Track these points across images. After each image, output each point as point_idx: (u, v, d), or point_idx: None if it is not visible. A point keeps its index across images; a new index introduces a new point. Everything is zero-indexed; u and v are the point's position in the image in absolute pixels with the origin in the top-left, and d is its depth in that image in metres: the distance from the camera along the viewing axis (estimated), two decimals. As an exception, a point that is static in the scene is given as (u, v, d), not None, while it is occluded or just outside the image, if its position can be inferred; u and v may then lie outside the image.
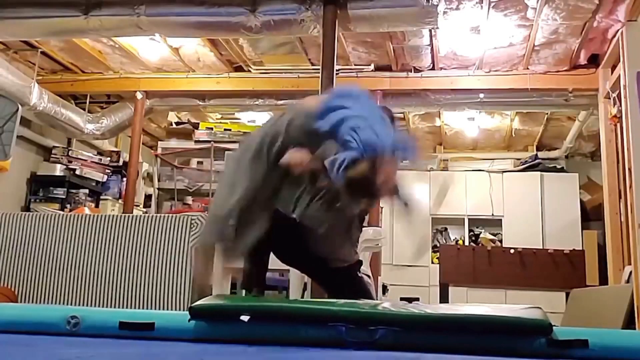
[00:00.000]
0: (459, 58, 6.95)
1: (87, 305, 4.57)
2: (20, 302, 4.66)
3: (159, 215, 4.93)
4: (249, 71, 7.52)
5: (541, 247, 8.74)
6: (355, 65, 7.22)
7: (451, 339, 2.04)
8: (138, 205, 8.42)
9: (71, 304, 4.60)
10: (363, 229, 4.73)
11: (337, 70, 5.36)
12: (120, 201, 8.29)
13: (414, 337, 2.04)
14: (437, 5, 5.14)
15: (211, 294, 4.17)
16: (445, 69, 7.22)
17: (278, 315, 2.17)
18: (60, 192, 7.71)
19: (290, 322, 2.14)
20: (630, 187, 5.36)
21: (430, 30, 6.25)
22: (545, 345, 1.96)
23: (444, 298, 8.28)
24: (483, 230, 9.61)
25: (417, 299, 8.11)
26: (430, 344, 2.02)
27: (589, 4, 5.56)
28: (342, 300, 2.57)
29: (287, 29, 5.48)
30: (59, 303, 4.64)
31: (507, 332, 2.01)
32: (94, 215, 4.95)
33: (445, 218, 9.69)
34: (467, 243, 9.50)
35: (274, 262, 3.20)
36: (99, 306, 4.54)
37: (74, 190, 7.86)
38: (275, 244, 2.99)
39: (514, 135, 9.46)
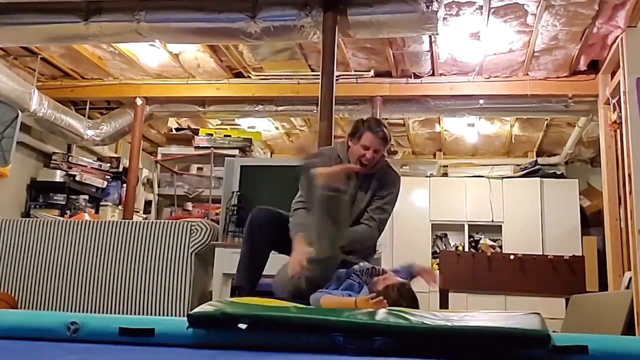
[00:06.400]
0: (458, 64, 6.96)
1: (87, 311, 4.56)
2: (20, 308, 4.65)
3: (159, 221, 4.93)
4: (249, 77, 7.53)
5: (541, 253, 8.72)
6: (355, 71, 7.24)
7: (449, 349, 2.04)
8: (138, 212, 8.42)
9: (71, 310, 4.60)
10: None
11: (337, 76, 5.37)
12: (120, 207, 8.30)
13: (412, 348, 2.04)
14: (437, 11, 5.15)
15: (211, 299, 4.17)
16: (445, 75, 7.23)
17: (277, 324, 2.17)
18: (60, 198, 7.72)
19: (289, 330, 2.14)
20: (630, 193, 5.36)
21: (430, 37, 6.27)
22: (545, 352, 1.95)
23: (443, 304, 8.27)
24: (483, 236, 9.60)
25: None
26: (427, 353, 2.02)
27: (588, 10, 5.57)
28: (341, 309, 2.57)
29: (287, 35, 5.49)
30: (59, 309, 4.64)
31: (504, 344, 2.00)
32: (94, 222, 4.95)
33: (445, 224, 9.70)
34: (467, 249, 9.49)
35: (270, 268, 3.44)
36: (99, 312, 4.54)
37: (73, 196, 7.88)
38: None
39: (513, 141, 9.47)
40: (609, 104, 6.27)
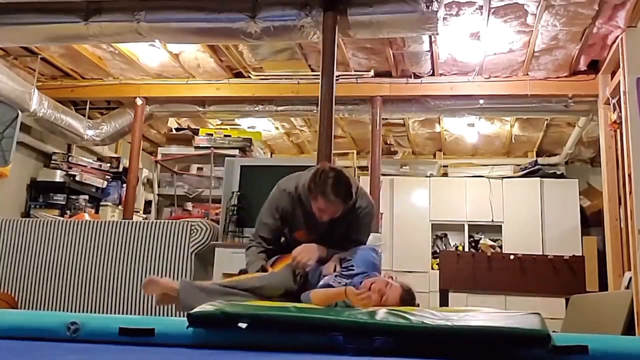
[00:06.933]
0: (458, 64, 6.95)
1: (87, 311, 4.57)
2: (20, 308, 4.65)
3: (159, 221, 4.94)
4: (249, 77, 7.53)
5: (541, 253, 8.73)
6: (355, 71, 7.23)
7: (449, 349, 2.04)
8: (138, 212, 8.42)
9: (71, 310, 4.60)
10: None
11: (337, 76, 5.36)
12: (120, 207, 8.30)
13: (412, 347, 2.04)
14: (437, 11, 5.14)
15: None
16: (445, 75, 7.23)
17: (277, 323, 2.17)
18: (60, 198, 7.73)
19: (289, 330, 2.14)
20: (630, 193, 5.36)
21: (430, 37, 6.26)
22: (544, 352, 1.95)
23: (443, 304, 8.27)
24: (483, 236, 9.60)
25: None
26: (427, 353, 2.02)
27: (588, 10, 5.57)
28: (340, 308, 2.57)
29: (287, 35, 5.48)
30: (59, 309, 4.64)
31: (504, 343, 2.00)
32: (94, 222, 4.95)
33: (445, 224, 9.70)
34: (467, 249, 9.50)
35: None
36: (99, 312, 4.54)
37: (74, 196, 7.88)
38: None
39: (513, 141, 9.47)
40: (609, 104, 6.27)
